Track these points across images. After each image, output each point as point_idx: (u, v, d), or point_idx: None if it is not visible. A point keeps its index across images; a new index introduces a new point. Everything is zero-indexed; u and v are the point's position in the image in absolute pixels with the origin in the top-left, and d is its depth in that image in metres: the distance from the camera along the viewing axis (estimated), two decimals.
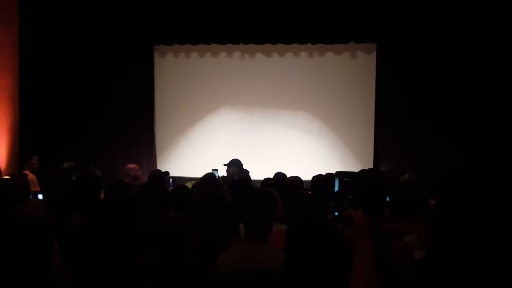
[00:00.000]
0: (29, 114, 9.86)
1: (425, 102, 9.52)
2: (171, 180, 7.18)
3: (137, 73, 10.23)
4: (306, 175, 6.93)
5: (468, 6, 9.10)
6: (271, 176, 6.70)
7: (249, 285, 1.70)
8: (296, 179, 6.19)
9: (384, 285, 1.87)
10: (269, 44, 10.07)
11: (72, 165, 7.90)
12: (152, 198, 3.82)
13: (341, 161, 9.82)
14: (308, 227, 1.62)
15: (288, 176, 6.59)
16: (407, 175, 7.01)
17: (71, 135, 10.02)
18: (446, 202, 2.61)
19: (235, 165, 7.46)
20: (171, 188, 6.33)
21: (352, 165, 9.50)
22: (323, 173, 6.42)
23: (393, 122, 9.76)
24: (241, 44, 10.17)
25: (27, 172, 7.16)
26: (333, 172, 6.23)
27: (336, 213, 1.87)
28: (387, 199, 3.38)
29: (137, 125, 10.41)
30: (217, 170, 7.33)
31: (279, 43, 10.00)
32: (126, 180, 6.88)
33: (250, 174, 7.92)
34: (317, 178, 6.05)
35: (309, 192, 5.95)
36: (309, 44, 10.01)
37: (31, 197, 5.02)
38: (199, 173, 7.50)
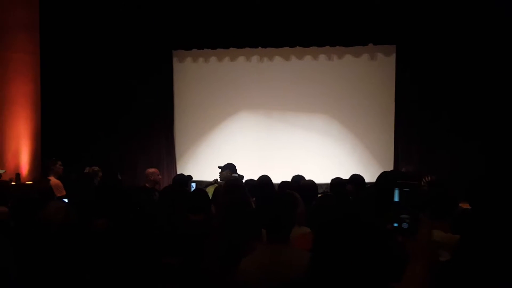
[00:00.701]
0: (50, 120, 9.98)
1: (445, 104, 9.44)
2: (193, 184, 7.18)
3: (156, 78, 10.31)
4: (325, 178, 6.92)
5: (488, 7, 9.00)
6: (290, 179, 6.70)
7: None
8: (311, 183, 6.16)
9: None
10: (288, 47, 10.07)
11: (93, 170, 7.97)
12: (176, 202, 3.84)
13: (361, 164, 9.76)
14: (349, 225, 1.59)
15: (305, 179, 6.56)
16: (429, 178, 6.96)
17: (92, 140, 10.13)
18: (481, 206, 2.57)
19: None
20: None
21: (372, 168, 9.43)
22: (342, 176, 6.40)
23: (413, 125, 9.69)
24: (260, 47, 10.19)
25: (52, 177, 7.25)
26: (349, 175, 6.23)
27: (396, 224, 1.83)
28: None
29: (157, 130, 10.49)
30: (236, 174, 7.34)
31: (298, 46, 10.00)
32: (147, 184, 6.93)
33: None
34: (336, 181, 6.04)
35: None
36: (327, 47, 10.00)
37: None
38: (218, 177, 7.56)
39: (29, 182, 8.46)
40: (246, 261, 2.52)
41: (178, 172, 10.14)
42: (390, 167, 9.68)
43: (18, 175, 8.79)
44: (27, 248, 2.58)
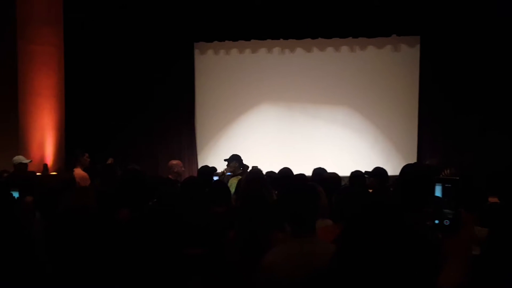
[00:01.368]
0: (74, 111, 10.09)
1: (470, 97, 9.29)
2: (215, 177, 7.19)
3: (178, 70, 10.35)
4: (346, 171, 6.86)
5: None
6: (311, 171, 6.68)
7: (309, 281, 1.69)
8: (335, 176, 6.12)
9: None
10: (309, 39, 10.01)
11: (115, 161, 8.04)
12: (198, 193, 3.85)
13: (383, 157, 9.69)
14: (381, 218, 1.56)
15: (328, 172, 6.53)
16: (448, 170, 6.91)
17: (114, 132, 10.23)
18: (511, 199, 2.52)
19: (236, 160, 7.41)
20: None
21: (394, 161, 9.36)
22: (364, 169, 6.34)
23: (437, 117, 9.58)
24: (281, 39, 10.15)
25: (78, 168, 7.33)
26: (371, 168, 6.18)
27: (437, 221, 1.80)
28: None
29: (178, 122, 10.54)
30: (257, 167, 7.32)
31: (320, 38, 9.93)
32: (170, 176, 6.95)
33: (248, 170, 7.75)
34: (356, 174, 5.98)
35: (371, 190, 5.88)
36: (350, 38, 9.91)
37: None
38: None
39: (53, 173, 8.58)
40: (272, 254, 2.51)
41: (199, 164, 10.21)
42: (413, 160, 9.58)
43: (45, 166, 8.92)
44: (52, 236, 2.60)
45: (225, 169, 7.54)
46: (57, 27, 9.72)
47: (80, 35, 10.11)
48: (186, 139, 10.56)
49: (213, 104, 10.62)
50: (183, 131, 10.55)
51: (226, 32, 10.14)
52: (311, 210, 2.54)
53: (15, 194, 4.65)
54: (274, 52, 10.39)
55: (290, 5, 9.60)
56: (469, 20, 9.12)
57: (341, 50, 10.16)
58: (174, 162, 7.32)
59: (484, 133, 9.12)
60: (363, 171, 6.10)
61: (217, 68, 10.62)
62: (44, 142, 9.28)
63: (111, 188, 4.12)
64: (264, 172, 5.65)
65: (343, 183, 6.04)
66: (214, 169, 6.64)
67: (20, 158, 7.36)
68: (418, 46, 9.81)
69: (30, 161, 7.79)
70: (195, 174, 9.52)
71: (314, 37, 9.94)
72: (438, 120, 9.59)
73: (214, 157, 10.37)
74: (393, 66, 9.99)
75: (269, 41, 10.23)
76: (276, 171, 6.13)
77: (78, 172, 7.24)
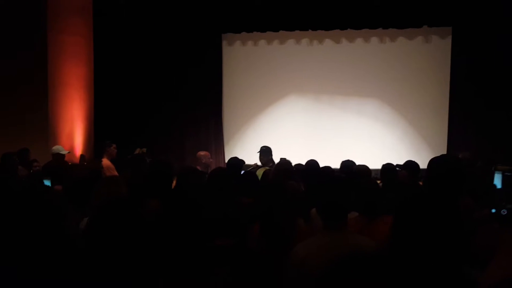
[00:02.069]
0: (103, 102, 10.20)
1: (502, 91, 9.08)
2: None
3: (205, 61, 10.36)
4: (375, 164, 6.78)
5: None
6: (338, 164, 6.62)
7: (350, 272, 1.67)
8: (364, 168, 6.04)
9: None
10: (338, 30, 9.90)
11: (143, 152, 8.10)
12: (227, 185, 3.84)
13: (412, 150, 9.55)
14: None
15: (357, 164, 6.45)
16: (479, 164, 6.83)
17: (142, 122, 10.31)
18: None
19: (269, 153, 7.38)
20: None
21: (423, 154, 9.20)
22: (394, 161, 6.25)
23: (468, 111, 9.39)
24: (310, 30, 10.06)
25: (105, 159, 7.42)
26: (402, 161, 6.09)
27: (493, 210, 1.75)
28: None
29: (206, 113, 10.56)
30: (285, 158, 7.27)
31: (349, 29, 9.81)
32: (198, 167, 6.96)
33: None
34: (387, 167, 5.90)
35: (379, 181, 5.82)
36: (380, 29, 9.76)
37: None
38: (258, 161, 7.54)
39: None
40: (305, 247, 2.49)
41: (226, 156, 10.22)
42: (442, 153, 9.41)
43: (82, 156, 9.05)
44: (90, 227, 2.61)
45: (260, 160, 7.53)
46: (87, 17, 9.82)
47: (109, 26, 10.19)
48: (213, 130, 10.58)
49: (240, 95, 10.60)
50: (210, 122, 10.57)
51: (254, 23, 10.09)
52: (345, 203, 2.51)
53: (47, 183, 4.72)
54: (303, 43, 10.30)
55: None
56: (502, 11, 8.88)
57: (371, 41, 10.01)
58: (202, 153, 7.32)
59: None
60: (393, 164, 6.03)
61: (245, 59, 10.59)
62: (74, 133, 9.41)
63: (141, 178, 4.13)
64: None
65: (372, 175, 5.97)
66: (242, 161, 6.62)
67: (58, 149, 7.48)
68: (449, 38, 9.62)
69: (68, 152, 7.93)
70: (222, 165, 9.54)
71: (343, 28, 9.82)
72: (469, 114, 9.40)
73: (241, 149, 10.37)
74: (424, 58, 9.81)
75: (297, 32, 10.14)
76: (303, 163, 6.08)
77: (105, 162, 7.32)
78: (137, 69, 10.41)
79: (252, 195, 3.97)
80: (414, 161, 5.93)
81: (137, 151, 8.22)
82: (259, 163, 7.53)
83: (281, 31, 10.12)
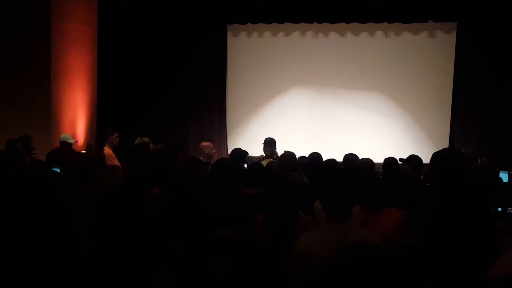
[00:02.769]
0: (106, 90, 10.19)
1: (507, 86, 9.04)
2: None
3: (210, 52, 10.32)
4: (377, 157, 6.78)
5: None
6: (341, 157, 6.63)
7: (353, 264, 1.67)
8: (368, 161, 6.04)
9: None
10: (344, 23, 9.85)
11: (143, 141, 8.10)
12: (231, 175, 3.84)
13: (415, 144, 9.53)
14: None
15: (360, 158, 6.46)
16: (480, 160, 6.82)
17: (146, 111, 10.31)
18: None
19: (274, 145, 7.40)
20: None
21: (426, 148, 9.19)
22: (397, 155, 6.25)
23: (472, 107, 9.36)
24: (315, 23, 10.00)
25: (106, 147, 7.44)
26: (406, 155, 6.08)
27: (500, 209, 1.74)
28: None
29: (209, 104, 10.55)
30: (289, 151, 7.27)
31: (354, 22, 9.76)
32: (201, 157, 6.96)
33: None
34: (389, 161, 5.90)
35: (380, 175, 5.82)
36: (385, 23, 9.72)
37: None
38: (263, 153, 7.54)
39: (83, 151, 8.70)
40: (307, 239, 2.49)
41: (229, 147, 10.22)
42: (445, 147, 9.39)
43: (89, 145, 9.05)
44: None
45: (264, 152, 7.54)
46: (91, 5, 9.79)
47: (113, 14, 10.15)
48: (216, 121, 10.57)
49: (244, 86, 10.58)
50: (213, 113, 10.55)
51: (259, 14, 10.04)
52: (350, 195, 2.51)
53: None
54: (308, 35, 10.25)
55: None
56: (508, 8, 8.82)
57: (376, 35, 9.97)
58: (205, 143, 7.33)
59: None
60: (396, 158, 6.03)
61: (250, 50, 10.55)
62: (76, 120, 9.41)
63: (143, 167, 4.14)
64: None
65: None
66: (246, 152, 6.62)
67: (66, 137, 7.51)
68: (454, 33, 9.57)
69: (75, 141, 7.94)
70: (224, 156, 9.54)
71: (348, 21, 9.77)
72: (472, 110, 9.38)
73: (244, 140, 10.36)
74: (428, 53, 9.76)
75: (302, 24, 10.09)
76: (307, 155, 6.09)
77: (106, 150, 7.34)
78: (142, 58, 10.39)
79: (258, 186, 3.99)
80: (417, 155, 5.93)
81: (138, 140, 8.22)
82: (263, 155, 7.53)
83: (286, 23, 10.07)
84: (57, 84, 8.90)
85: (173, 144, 6.46)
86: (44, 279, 1.19)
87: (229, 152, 9.06)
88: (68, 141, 7.38)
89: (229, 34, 10.56)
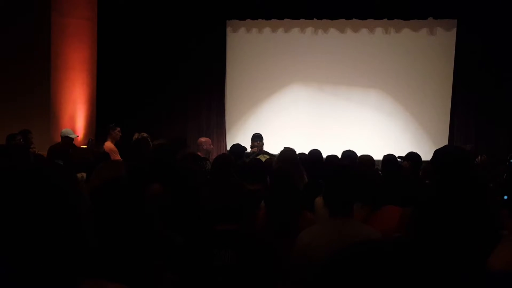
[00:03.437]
0: (106, 85, 10.17)
1: (506, 84, 9.05)
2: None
3: (209, 47, 10.31)
4: (376, 154, 6.78)
5: None
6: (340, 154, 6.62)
7: (355, 259, 1.68)
8: (368, 158, 6.05)
9: None
10: (343, 20, 9.85)
11: (142, 136, 8.09)
12: (229, 171, 3.85)
13: (414, 141, 9.55)
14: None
15: (359, 154, 6.46)
16: (479, 158, 6.84)
17: (145, 107, 10.30)
18: None
19: (260, 139, 7.40)
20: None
21: (425, 146, 9.22)
22: (395, 153, 6.25)
23: (471, 104, 9.38)
24: (315, 19, 10.00)
25: (108, 142, 7.44)
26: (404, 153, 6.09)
27: (505, 197, 1.75)
28: None
29: (208, 100, 10.54)
30: (289, 147, 7.26)
31: (354, 19, 9.76)
32: (199, 153, 6.96)
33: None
34: (388, 158, 5.90)
35: (379, 172, 5.82)
36: (385, 20, 9.71)
37: None
38: (268, 150, 7.54)
39: (84, 146, 8.68)
40: (309, 234, 2.49)
41: (227, 143, 10.22)
42: (444, 145, 9.39)
43: (91, 141, 9.03)
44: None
45: (252, 146, 7.52)
46: (91, 1, 9.75)
47: (113, 9, 10.13)
48: (215, 117, 10.56)
49: (243, 83, 10.58)
50: (212, 109, 10.55)
51: (259, 10, 10.03)
52: (352, 192, 2.52)
53: None
54: (307, 32, 10.25)
55: None
56: (508, 5, 8.83)
57: (376, 32, 9.97)
58: (203, 139, 7.32)
59: None
60: (395, 155, 6.02)
61: (249, 46, 10.54)
62: (76, 115, 9.39)
63: (143, 162, 4.13)
64: None
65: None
66: (244, 148, 6.62)
67: (68, 132, 7.50)
68: (454, 30, 9.58)
69: (77, 136, 7.93)
70: (223, 152, 9.54)
71: (348, 17, 9.77)
72: (472, 107, 9.40)
73: (243, 136, 10.34)
74: (428, 50, 9.77)
75: (302, 20, 10.09)
76: (306, 152, 6.08)
77: (108, 145, 7.34)
78: (141, 53, 10.37)
79: (258, 182, 3.99)
80: (416, 153, 5.93)
81: (136, 135, 8.21)
82: (256, 149, 7.49)
83: (286, 19, 10.07)
84: (56, 79, 8.88)
85: (175, 140, 6.45)
86: (48, 274, 1.19)
87: (228, 148, 9.07)
88: (70, 136, 7.38)
89: (228, 30, 10.55)
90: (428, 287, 1.46)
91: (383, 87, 9.95)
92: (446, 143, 9.47)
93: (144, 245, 2.94)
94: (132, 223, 2.74)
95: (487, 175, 5.92)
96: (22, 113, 8.40)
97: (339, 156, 6.63)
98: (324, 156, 6.10)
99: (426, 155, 6.53)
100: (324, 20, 9.97)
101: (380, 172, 5.73)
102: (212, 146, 7.65)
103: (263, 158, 6.07)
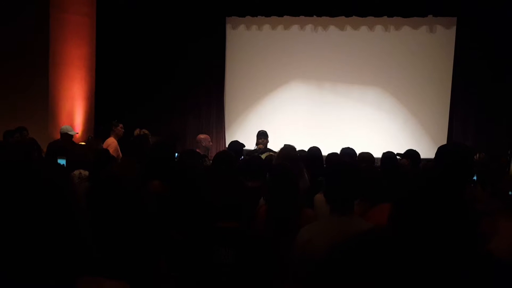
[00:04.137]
0: (104, 82, 10.15)
1: (505, 82, 9.05)
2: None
3: (209, 44, 10.30)
4: (376, 152, 6.77)
5: None
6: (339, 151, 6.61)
7: (355, 255, 1.68)
8: (368, 155, 6.04)
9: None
10: (343, 17, 9.83)
11: (143, 133, 8.08)
12: (230, 168, 3.84)
13: (413, 139, 9.55)
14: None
15: (358, 152, 6.45)
16: (477, 155, 6.86)
17: (144, 103, 10.29)
18: None
19: (265, 137, 7.40)
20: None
21: (424, 143, 9.23)
22: (394, 150, 6.25)
23: (470, 102, 9.38)
24: (314, 16, 9.99)
25: (112, 138, 7.44)
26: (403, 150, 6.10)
27: (511, 193, 1.77)
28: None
29: (208, 97, 10.55)
30: (289, 145, 7.25)
31: (354, 16, 9.74)
32: (198, 150, 6.95)
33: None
34: (388, 155, 5.90)
35: (379, 169, 5.82)
36: (385, 17, 9.70)
37: None
38: (268, 147, 7.53)
39: (82, 143, 8.68)
40: (310, 231, 2.49)
41: (227, 140, 10.21)
42: (442, 143, 9.39)
43: (90, 138, 9.01)
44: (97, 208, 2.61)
45: (257, 143, 7.51)
46: None
47: (112, 5, 10.10)
48: (214, 114, 10.57)
49: (243, 79, 10.57)
50: (212, 106, 10.55)
51: (259, 7, 10.02)
52: (353, 189, 2.52)
53: (62, 162, 4.73)
54: (307, 29, 10.24)
55: None
56: (507, 2, 8.82)
57: (375, 29, 9.96)
58: (203, 136, 7.31)
59: None
60: (394, 152, 6.03)
61: (249, 43, 10.53)
62: (74, 112, 9.38)
63: (143, 159, 4.12)
64: None
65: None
66: (243, 145, 6.61)
67: (67, 128, 7.48)
68: (454, 28, 9.57)
69: (76, 133, 7.92)
70: (222, 149, 9.53)
71: (348, 15, 9.75)
72: (471, 105, 9.40)
73: (242, 133, 10.36)
74: (428, 47, 9.77)
75: (302, 17, 10.08)
76: (305, 149, 6.07)
77: (111, 141, 7.33)
78: (140, 50, 10.36)
79: (257, 179, 3.99)
80: (415, 150, 5.94)
81: (137, 131, 8.20)
82: (261, 146, 7.49)
83: (285, 16, 10.06)
84: (55, 76, 8.87)
85: (169, 136, 6.45)
86: (45, 272, 1.18)
87: (227, 145, 9.07)
88: (69, 133, 7.36)
89: (228, 26, 10.54)
90: (416, 277, 1.47)
91: (382, 84, 9.95)
92: (445, 141, 9.49)
93: (145, 243, 2.94)
94: (133, 220, 2.73)
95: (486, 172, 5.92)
96: (21, 110, 8.39)
97: (338, 153, 6.63)
98: (324, 153, 6.09)
99: (424, 153, 6.55)
100: (324, 17, 9.96)
101: (379, 169, 5.74)
102: (211, 143, 7.64)
103: (264, 155, 6.06)
